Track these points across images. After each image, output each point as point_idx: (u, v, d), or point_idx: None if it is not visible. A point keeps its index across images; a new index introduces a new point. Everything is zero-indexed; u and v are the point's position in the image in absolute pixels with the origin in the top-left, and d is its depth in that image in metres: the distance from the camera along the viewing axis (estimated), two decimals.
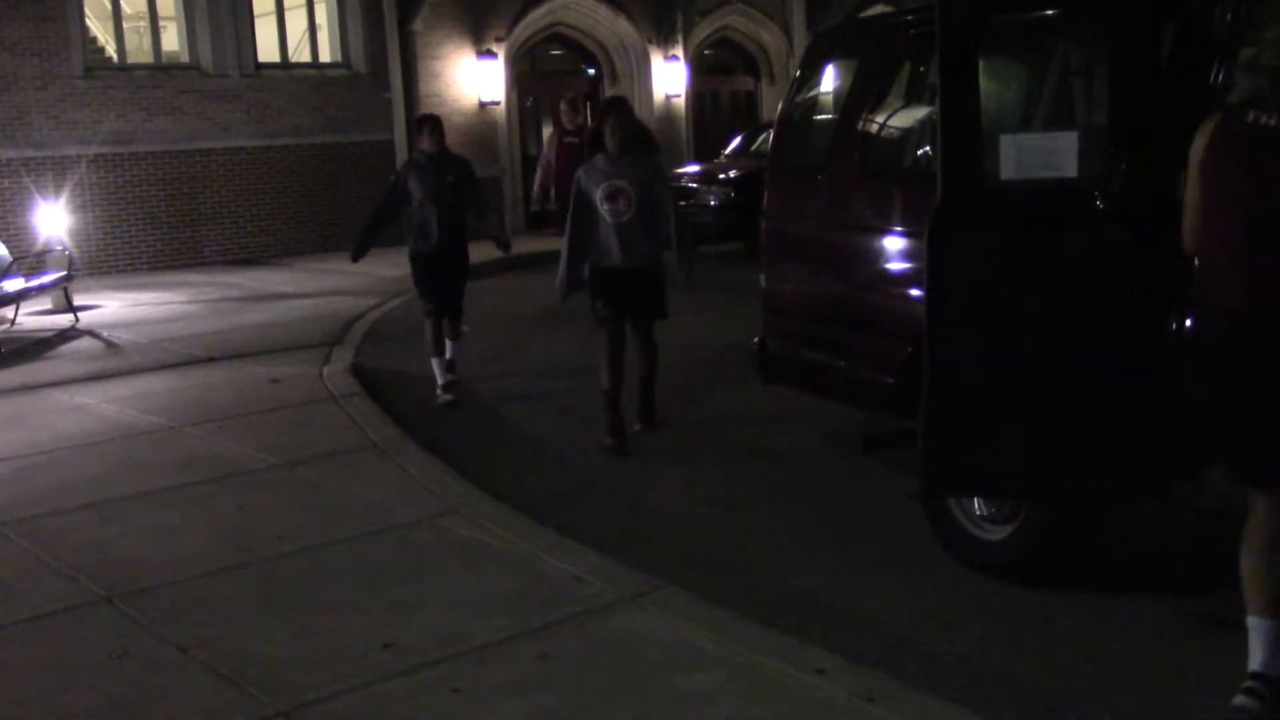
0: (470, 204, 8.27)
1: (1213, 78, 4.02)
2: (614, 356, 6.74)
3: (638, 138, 6.86)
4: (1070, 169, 4.02)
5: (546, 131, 16.97)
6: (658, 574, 4.64)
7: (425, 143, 8.09)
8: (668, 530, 5.50)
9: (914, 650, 4.19)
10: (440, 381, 8.03)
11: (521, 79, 19.33)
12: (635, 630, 4.11)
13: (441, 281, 8.06)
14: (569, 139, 13.26)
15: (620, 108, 6.89)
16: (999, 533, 4.69)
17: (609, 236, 6.65)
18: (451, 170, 8.10)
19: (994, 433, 4.29)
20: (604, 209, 6.62)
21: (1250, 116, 3.47)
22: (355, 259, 8.35)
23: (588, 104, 20.60)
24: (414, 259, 8.14)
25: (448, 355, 8.18)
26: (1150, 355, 4.03)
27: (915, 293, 5.04)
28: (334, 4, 17.35)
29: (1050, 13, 4.47)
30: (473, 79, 18.32)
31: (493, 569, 4.74)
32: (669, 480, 6.18)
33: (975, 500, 4.74)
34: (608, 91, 20.57)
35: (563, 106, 13.98)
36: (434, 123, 8.17)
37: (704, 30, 21.36)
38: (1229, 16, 4.01)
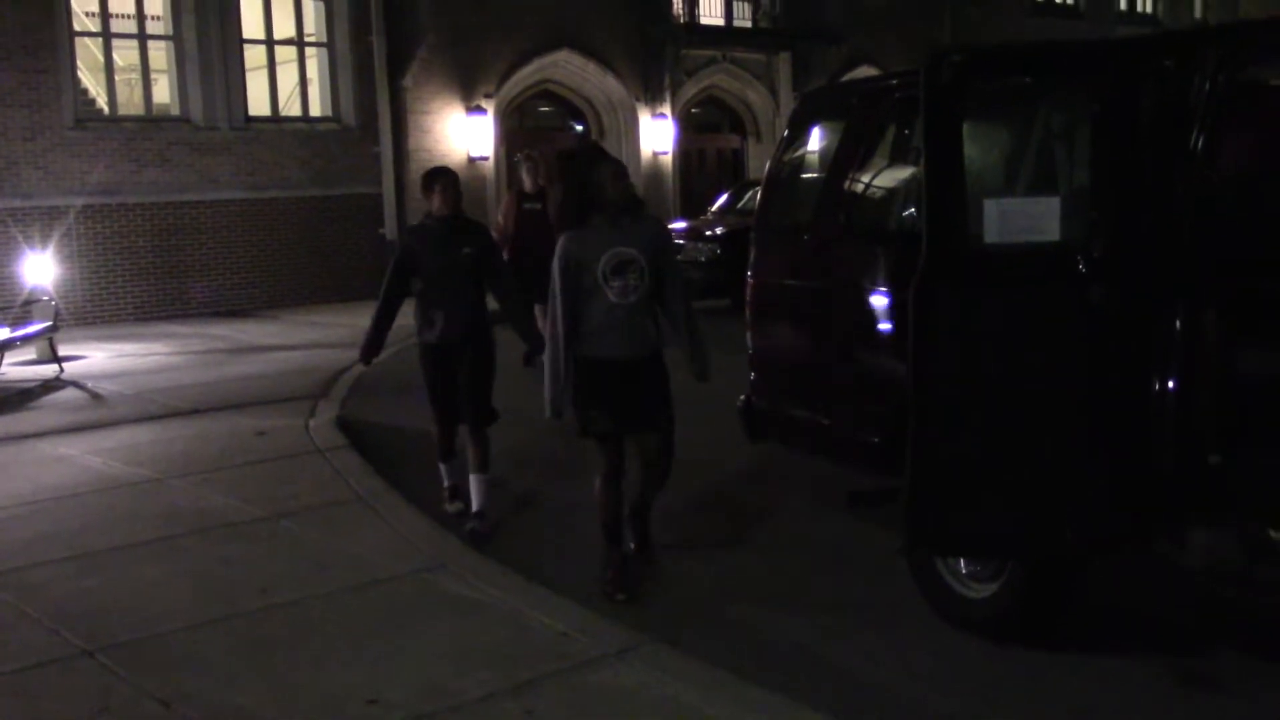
0: (492, 284, 6.50)
1: (1192, 143, 4.11)
2: (613, 478, 5.34)
3: (635, 192, 5.49)
4: (1053, 232, 4.09)
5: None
6: (644, 629, 4.63)
7: (436, 204, 6.32)
8: (654, 585, 5.49)
9: (899, 707, 4.18)
10: (447, 482, 6.66)
11: (510, 135, 19.50)
12: (621, 686, 4.10)
13: (455, 383, 6.39)
14: (529, 205, 10.78)
15: (608, 154, 5.65)
16: (985, 590, 4.70)
17: (610, 321, 5.16)
18: (469, 239, 6.37)
19: (978, 491, 4.32)
20: (610, 286, 5.12)
21: None
22: (367, 361, 6.73)
23: (572, 158, 20.75)
24: (422, 352, 6.48)
25: (475, 505, 6.39)
26: (1132, 413, 4.08)
27: (900, 352, 5.09)
28: (325, 58, 17.53)
29: (1033, 79, 4.56)
30: (462, 134, 18.48)
31: (478, 623, 4.72)
32: (655, 536, 6.17)
33: (960, 558, 4.76)
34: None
35: (524, 166, 11.01)
36: (447, 179, 6.38)
37: (691, 89, 21.64)
38: (1207, 85, 4.10)
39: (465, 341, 6.31)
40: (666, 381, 5.40)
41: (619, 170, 5.29)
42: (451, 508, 6.55)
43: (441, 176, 6.40)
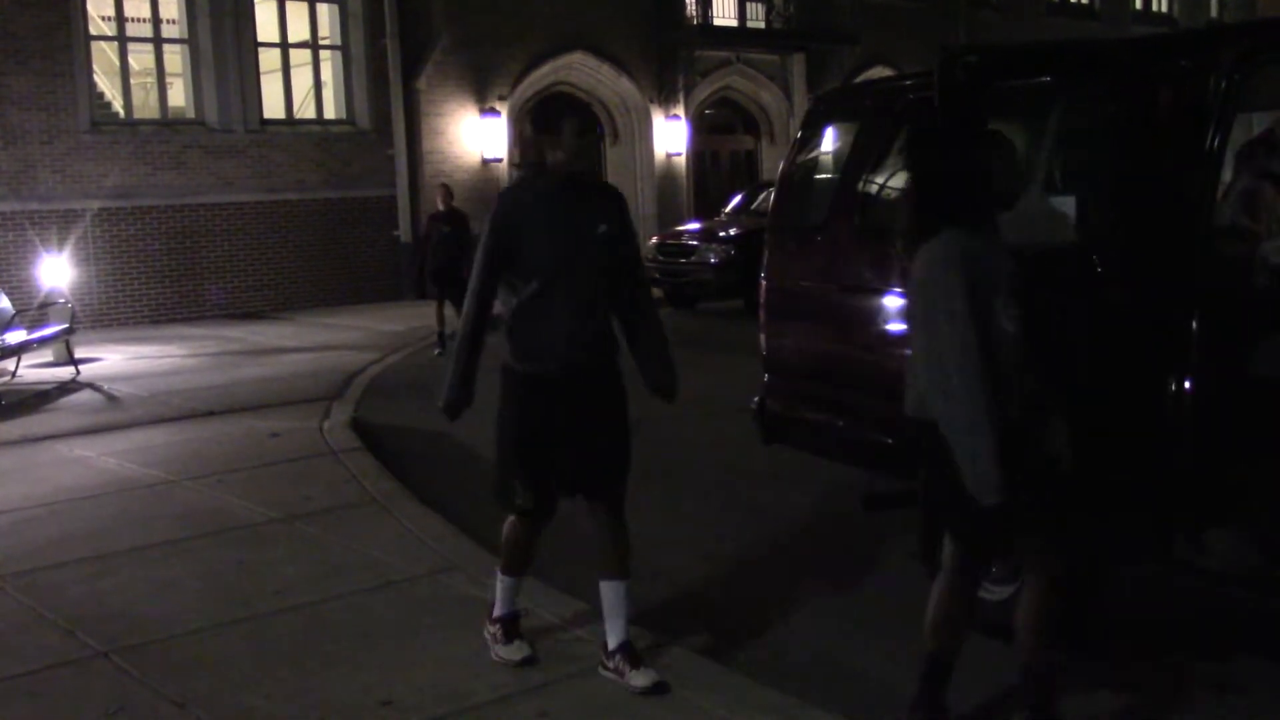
0: (628, 287, 4.28)
1: (1208, 143, 4.08)
2: (971, 603, 3.83)
3: None
4: (1069, 233, 4.07)
5: None
6: (658, 632, 4.62)
7: (558, 155, 4.12)
8: (669, 589, 5.47)
9: None
10: (503, 610, 4.39)
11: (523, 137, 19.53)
12: (637, 689, 4.08)
13: (571, 442, 4.17)
14: None
15: (990, 129, 3.81)
16: (1002, 592, 4.67)
17: (1010, 368, 3.52)
18: (603, 212, 4.19)
19: None
20: (1009, 315, 3.51)
21: None
22: (453, 415, 4.38)
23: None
24: (518, 385, 4.24)
25: (617, 638, 4.14)
26: (1150, 416, 4.05)
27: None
28: (339, 61, 17.59)
29: (1047, 78, 4.54)
30: (476, 136, 18.51)
31: None
32: (671, 538, 6.16)
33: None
34: (609, 151, 20.79)
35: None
36: (578, 119, 4.38)
37: (705, 90, 21.64)
38: (1223, 83, 4.08)
39: (592, 375, 4.19)
40: None
41: (1011, 151, 3.77)
42: (511, 654, 4.30)
43: (571, 113, 4.32)
